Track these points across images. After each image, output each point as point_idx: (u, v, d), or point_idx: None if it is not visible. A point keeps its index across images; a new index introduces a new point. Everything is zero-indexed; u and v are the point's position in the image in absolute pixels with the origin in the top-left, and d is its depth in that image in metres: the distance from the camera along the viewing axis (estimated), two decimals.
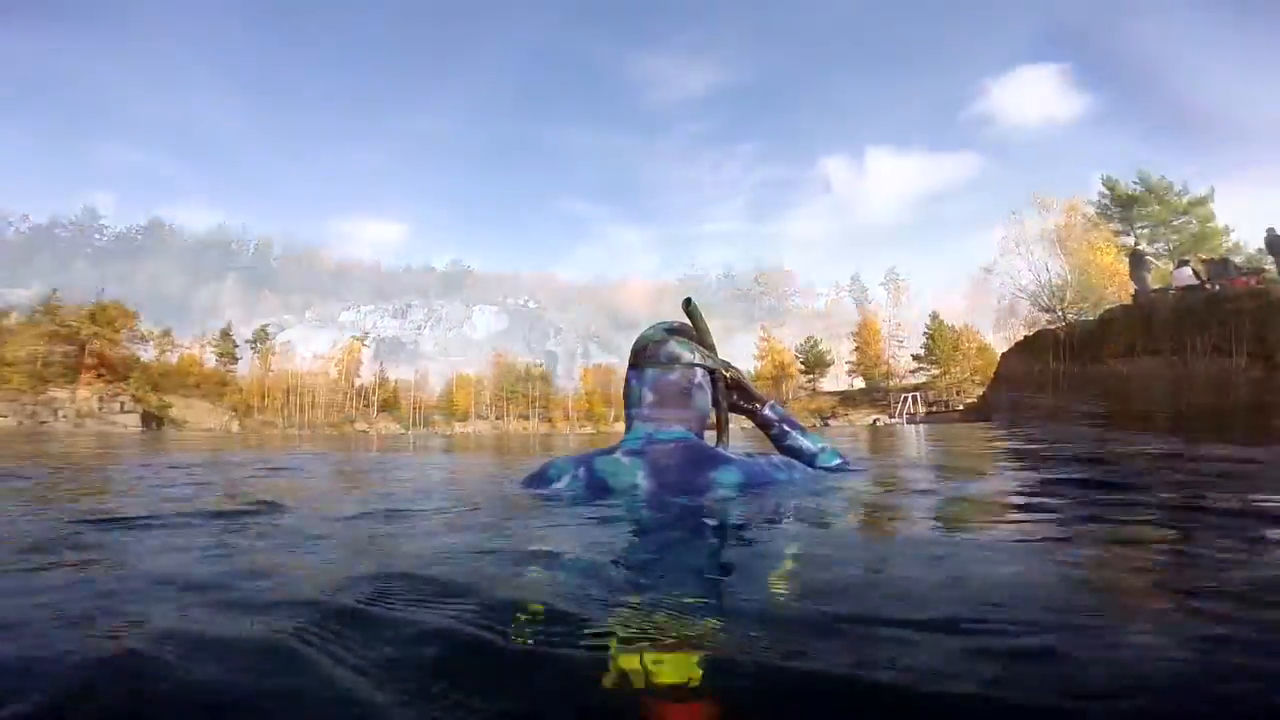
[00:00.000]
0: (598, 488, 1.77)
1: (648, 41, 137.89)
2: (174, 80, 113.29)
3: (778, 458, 2.01)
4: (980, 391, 38.14)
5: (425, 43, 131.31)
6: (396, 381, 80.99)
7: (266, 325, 74.80)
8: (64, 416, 50.65)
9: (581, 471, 1.85)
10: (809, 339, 74.14)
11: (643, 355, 2.02)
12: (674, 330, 2.08)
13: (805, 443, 2.20)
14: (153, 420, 54.31)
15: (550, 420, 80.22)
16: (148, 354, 65.31)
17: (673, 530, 1.43)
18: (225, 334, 72.57)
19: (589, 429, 62.07)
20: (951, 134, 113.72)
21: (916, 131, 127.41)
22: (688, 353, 2.00)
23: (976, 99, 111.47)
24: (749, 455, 1.93)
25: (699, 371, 2.01)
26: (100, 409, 52.85)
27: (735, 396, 2.20)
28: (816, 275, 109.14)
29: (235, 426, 59.64)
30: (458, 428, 72.36)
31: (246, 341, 73.48)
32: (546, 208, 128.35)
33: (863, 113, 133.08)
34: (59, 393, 52.59)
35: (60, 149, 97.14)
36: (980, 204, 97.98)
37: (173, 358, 68.10)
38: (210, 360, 71.22)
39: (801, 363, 73.58)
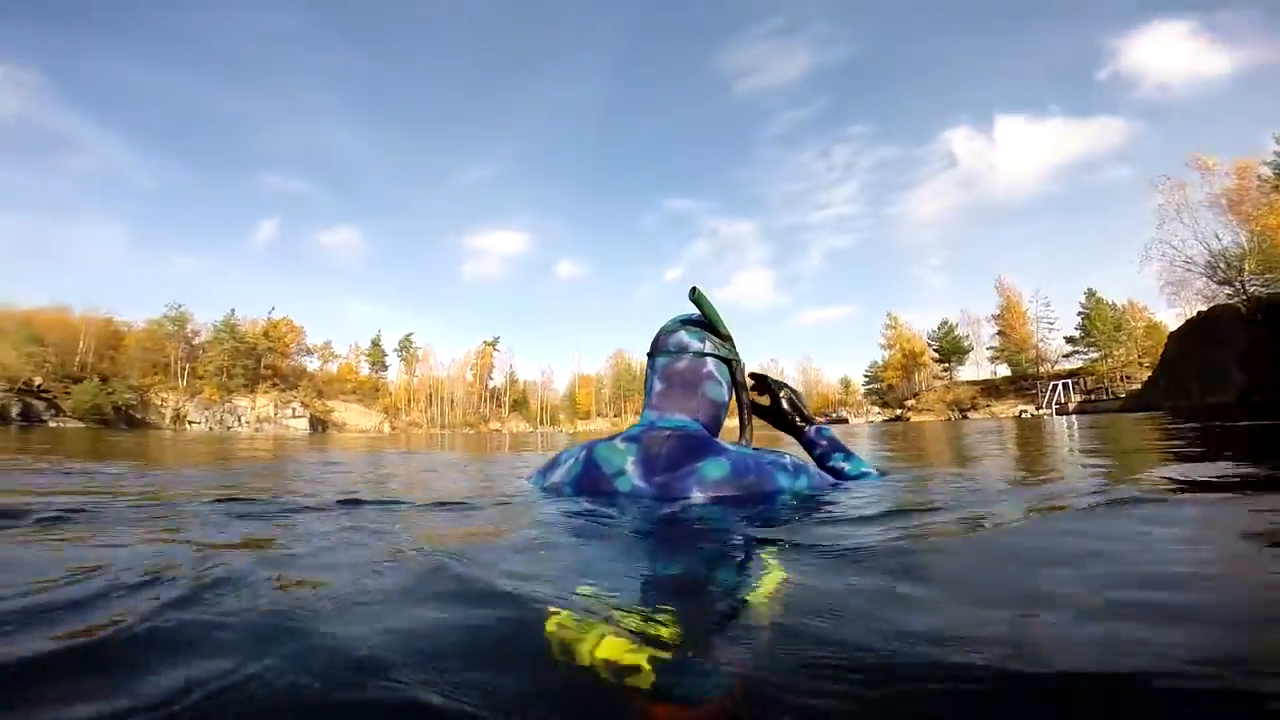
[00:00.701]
0: (591, 470, 1.81)
1: (727, 33, 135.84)
2: (308, 112, 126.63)
3: (789, 458, 1.82)
4: (1148, 376, 33.68)
5: (518, 57, 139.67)
6: (525, 383, 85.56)
7: (410, 334, 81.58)
8: (245, 422, 58.53)
9: (583, 455, 1.88)
10: (944, 323, 68.19)
11: (656, 345, 2.03)
12: (689, 321, 2.05)
13: (845, 466, 2.14)
14: (318, 423, 61.14)
15: None
16: (313, 364, 73.80)
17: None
18: (375, 344, 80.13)
19: None
20: (1091, 99, 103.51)
21: (1050, 97, 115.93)
22: (697, 341, 1.98)
23: (1109, 61, 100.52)
24: (755, 450, 1.82)
25: (710, 361, 1.98)
26: (275, 414, 60.43)
27: (786, 408, 2.25)
28: (944, 255, 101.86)
29: (386, 428, 65.68)
30: (580, 425, 75.04)
31: (394, 350, 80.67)
32: (652, 207, 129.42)
33: (982, 79, 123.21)
34: (241, 400, 61.00)
35: (222, 182, 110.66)
36: (1135, 170, 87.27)
37: (333, 367, 76.47)
38: (364, 368, 79.04)
39: (935, 350, 67.99)
